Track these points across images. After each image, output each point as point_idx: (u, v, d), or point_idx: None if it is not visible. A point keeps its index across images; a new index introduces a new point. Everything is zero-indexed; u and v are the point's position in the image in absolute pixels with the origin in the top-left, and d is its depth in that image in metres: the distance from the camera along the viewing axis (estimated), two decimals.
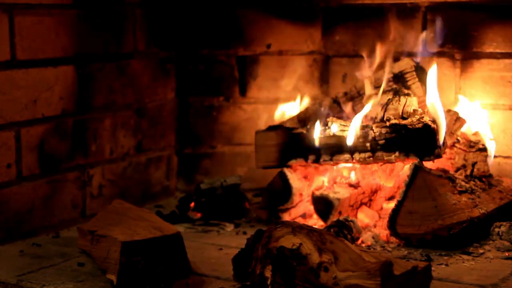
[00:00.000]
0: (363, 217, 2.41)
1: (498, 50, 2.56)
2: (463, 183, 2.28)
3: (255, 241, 1.86)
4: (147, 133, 2.83)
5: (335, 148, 2.38)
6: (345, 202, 2.37)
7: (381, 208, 2.45)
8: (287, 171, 2.47)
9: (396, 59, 2.57)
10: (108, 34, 2.65)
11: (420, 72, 2.50)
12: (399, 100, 2.38)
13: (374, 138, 2.34)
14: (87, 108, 2.59)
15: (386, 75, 2.49)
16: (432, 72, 2.42)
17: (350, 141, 2.35)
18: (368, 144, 2.34)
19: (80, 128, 2.56)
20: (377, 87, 2.50)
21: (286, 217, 2.45)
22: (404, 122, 2.32)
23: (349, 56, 2.79)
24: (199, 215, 2.59)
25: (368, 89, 2.50)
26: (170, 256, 1.99)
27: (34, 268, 2.11)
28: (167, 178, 2.94)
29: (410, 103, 2.37)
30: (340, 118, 2.47)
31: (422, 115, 2.32)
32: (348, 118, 2.47)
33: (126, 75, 2.73)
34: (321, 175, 2.51)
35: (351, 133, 2.35)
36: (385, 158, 2.34)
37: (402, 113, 2.36)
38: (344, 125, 2.40)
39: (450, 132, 2.40)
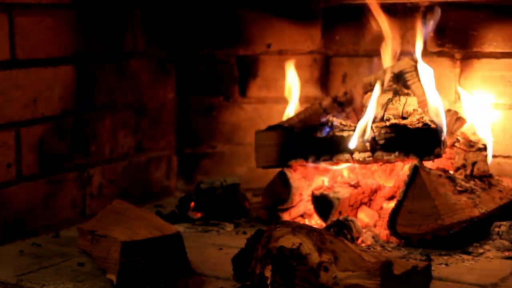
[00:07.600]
0: (363, 217, 2.41)
1: (498, 50, 2.56)
2: (463, 183, 2.28)
3: (255, 241, 1.86)
4: (147, 133, 2.83)
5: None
6: (345, 202, 2.37)
7: (381, 208, 2.45)
8: (287, 171, 2.47)
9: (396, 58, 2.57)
10: (108, 34, 2.65)
11: (420, 72, 2.50)
12: (399, 100, 2.38)
13: (374, 138, 2.34)
14: (87, 108, 2.58)
15: (387, 75, 2.49)
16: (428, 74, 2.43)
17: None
18: (368, 144, 2.34)
19: (80, 128, 2.56)
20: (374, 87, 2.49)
21: (286, 217, 2.45)
22: (404, 122, 2.32)
23: (349, 56, 2.79)
24: (199, 215, 2.59)
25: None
26: (170, 256, 1.99)
27: (34, 268, 2.11)
28: (167, 178, 2.94)
29: (410, 103, 2.37)
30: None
31: (422, 115, 2.32)
32: (348, 118, 2.47)
33: (126, 75, 2.73)
34: (321, 175, 2.51)
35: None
36: (385, 158, 2.34)
37: (402, 113, 2.35)
38: (344, 125, 2.40)
39: (450, 132, 2.41)
